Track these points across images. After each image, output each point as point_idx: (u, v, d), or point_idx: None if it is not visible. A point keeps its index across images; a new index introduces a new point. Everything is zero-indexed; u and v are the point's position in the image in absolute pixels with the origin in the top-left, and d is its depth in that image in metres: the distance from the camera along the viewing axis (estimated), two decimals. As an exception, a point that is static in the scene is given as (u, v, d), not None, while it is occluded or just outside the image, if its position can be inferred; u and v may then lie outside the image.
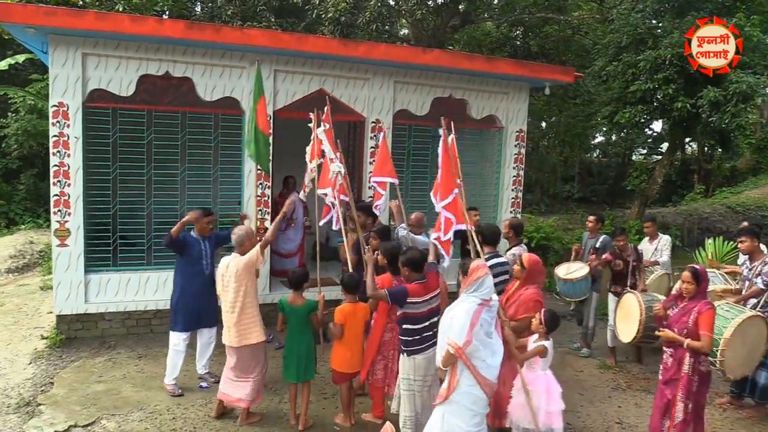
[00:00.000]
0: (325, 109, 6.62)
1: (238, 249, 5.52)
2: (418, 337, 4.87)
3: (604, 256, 7.44)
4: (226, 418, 5.62)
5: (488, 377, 4.17)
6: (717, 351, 5.74)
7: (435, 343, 4.93)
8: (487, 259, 5.87)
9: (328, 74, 8.16)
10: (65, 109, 7.01)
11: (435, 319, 4.91)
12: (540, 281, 5.48)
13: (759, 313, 5.98)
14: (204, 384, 6.28)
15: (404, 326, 4.91)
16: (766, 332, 5.89)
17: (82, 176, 7.13)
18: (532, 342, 4.91)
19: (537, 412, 4.69)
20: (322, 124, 6.48)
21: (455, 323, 4.12)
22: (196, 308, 6.14)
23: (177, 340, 6.11)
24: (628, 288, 7.21)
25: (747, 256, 6.63)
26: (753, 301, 6.28)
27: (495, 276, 5.65)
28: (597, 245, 7.70)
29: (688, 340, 4.73)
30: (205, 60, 7.56)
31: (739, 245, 6.57)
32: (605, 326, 7.91)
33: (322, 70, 8.10)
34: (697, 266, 5.06)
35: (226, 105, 7.83)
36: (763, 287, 6.18)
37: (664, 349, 5.00)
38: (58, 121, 7.01)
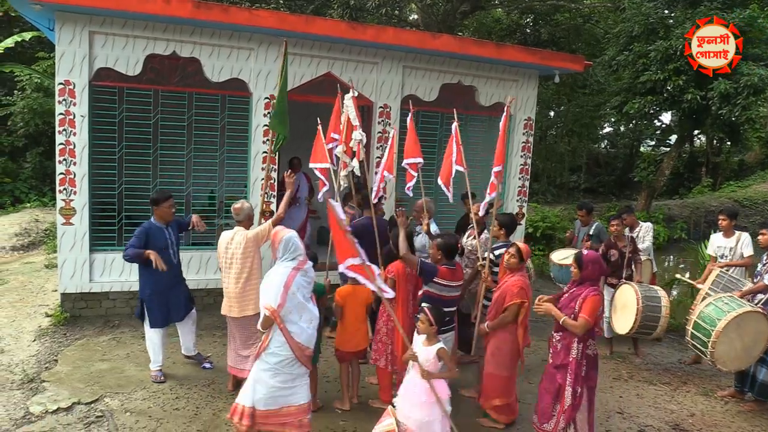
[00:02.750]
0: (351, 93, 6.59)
1: (245, 223, 5.65)
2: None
3: (601, 249, 7.42)
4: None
5: (300, 340, 4.30)
6: (708, 342, 5.83)
7: (451, 330, 5.00)
8: (499, 247, 5.89)
9: (336, 57, 8.11)
10: (71, 87, 6.99)
11: (454, 308, 5.07)
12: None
13: (759, 309, 5.94)
14: (207, 365, 6.28)
15: (425, 305, 4.92)
16: (767, 329, 5.84)
17: (88, 155, 7.12)
18: (421, 344, 4.46)
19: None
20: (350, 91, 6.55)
21: (271, 287, 4.25)
22: (172, 302, 5.96)
23: (152, 334, 5.90)
24: (623, 279, 7.15)
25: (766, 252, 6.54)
26: (760, 296, 6.23)
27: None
28: (591, 232, 7.77)
29: (564, 318, 4.63)
30: (213, 41, 7.51)
31: (759, 237, 6.51)
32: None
33: (330, 54, 8.05)
34: (584, 251, 4.93)
35: (234, 86, 7.79)
36: (767, 283, 6.14)
37: (554, 333, 4.85)
38: (64, 99, 6.98)
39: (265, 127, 7.73)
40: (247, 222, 5.68)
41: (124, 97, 7.46)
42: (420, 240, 6.57)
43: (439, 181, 6.62)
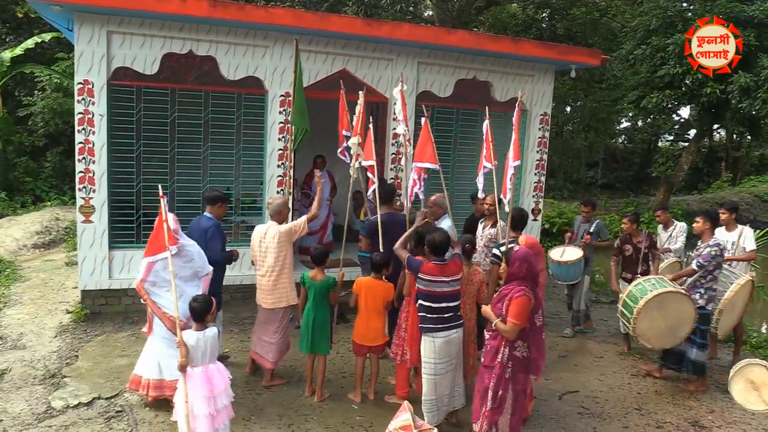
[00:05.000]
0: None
1: (276, 217, 5.77)
2: (434, 315, 4.88)
3: (616, 243, 7.43)
4: (258, 376, 5.92)
5: (166, 311, 4.85)
6: (631, 318, 6.16)
7: (456, 326, 4.98)
8: (510, 242, 5.86)
9: (351, 54, 8.11)
10: (90, 86, 7.06)
11: (455, 303, 4.99)
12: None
13: (681, 290, 6.16)
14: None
15: (420, 302, 4.96)
16: (692, 310, 6.07)
17: (107, 153, 7.19)
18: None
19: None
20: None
21: (141, 267, 4.92)
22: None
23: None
24: (638, 275, 7.07)
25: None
26: (690, 280, 6.40)
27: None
28: (591, 230, 7.74)
29: (497, 321, 4.42)
30: (229, 39, 7.55)
31: (694, 225, 6.61)
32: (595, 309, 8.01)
33: (345, 50, 8.06)
34: (516, 247, 4.81)
35: (250, 84, 7.83)
36: (695, 268, 6.24)
37: (486, 331, 4.71)
38: (83, 99, 7.06)
39: (281, 125, 7.77)
40: (278, 216, 5.79)
41: (141, 95, 7.52)
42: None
43: (477, 179, 6.55)
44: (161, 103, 7.60)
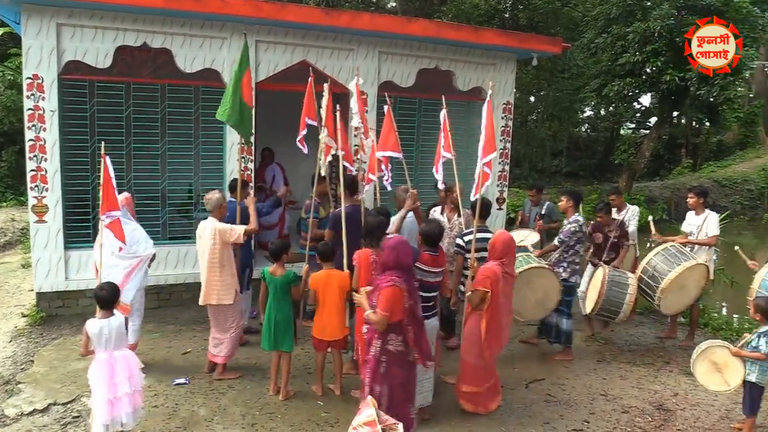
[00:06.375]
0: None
1: (215, 213, 5.76)
2: (424, 304, 4.83)
3: (587, 229, 7.45)
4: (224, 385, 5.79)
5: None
6: None
7: (431, 316, 5.00)
8: (469, 233, 5.84)
9: (311, 45, 7.98)
10: (40, 81, 6.82)
11: (435, 293, 5.05)
12: (508, 260, 5.29)
13: (545, 265, 6.54)
14: (181, 380, 5.83)
15: None
16: (557, 284, 6.47)
17: (59, 151, 6.96)
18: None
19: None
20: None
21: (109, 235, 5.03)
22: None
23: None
24: (601, 262, 7.17)
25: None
26: (555, 255, 6.80)
27: (478, 251, 5.66)
28: (543, 212, 7.86)
29: (369, 312, 4.26)
30: (185, 30, 7.36)
31: (559, 203, 7.01)
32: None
33: (305, 41, 7.92)
34: (389, 236, 4.77)
35: (207, 77, 7.65)
36: (557, 243, 6.71)
37: (364, 325, 4.57)
38: (32, 94, 6.82)
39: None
40: (217, 212, 5.77)
41: (95, 90, 7.29)
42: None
43: (433, 170, 6.47)
44: (116, 98, 7.39)
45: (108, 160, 4.93)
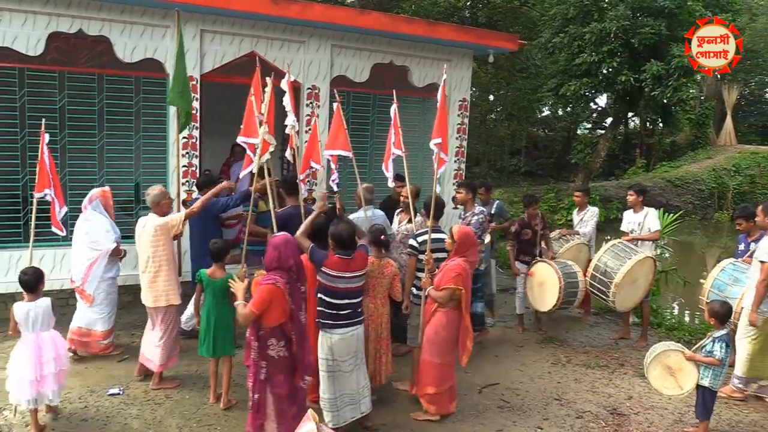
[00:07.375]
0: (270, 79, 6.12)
1: (155, 209, 5.46)
2: (333, 311, 4.64)
3: (513, 227, 7.49)
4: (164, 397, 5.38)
5: None
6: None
7: (355, 324, 4.74)
8: (423, 233, 5.62)
9: (260, 36, 7.65)
10: (-37, 68, 6.33)
11: (356, 300, 4.76)
12: (471, 253, 5.21)
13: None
14: (115, 390, 5.51)
15: (319, 295, 4.70)
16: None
17: (-15, 143, 6.49)
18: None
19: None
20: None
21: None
22: None
23: None
24: (537, 257, 7.23)
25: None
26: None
27: (434, 251, 5.43)
28: (492, 211, 7.74)
29: (238, 302, 4.08)
30: (124, 17, 6.95)
31: (457, 195, 7.01)
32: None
33: (253, 31, 7.59)
34: (273, 235, 4.59)
35: (149, 67, 7.26)
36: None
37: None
38: (-45, 82, 6.33)
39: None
40: (157, 208, 5.44)
41: (25, 79, 6.82)
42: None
43: (383, 167, 6.27)
44: (48, 87, 6.92)
45: (47, 137, 5.26)
